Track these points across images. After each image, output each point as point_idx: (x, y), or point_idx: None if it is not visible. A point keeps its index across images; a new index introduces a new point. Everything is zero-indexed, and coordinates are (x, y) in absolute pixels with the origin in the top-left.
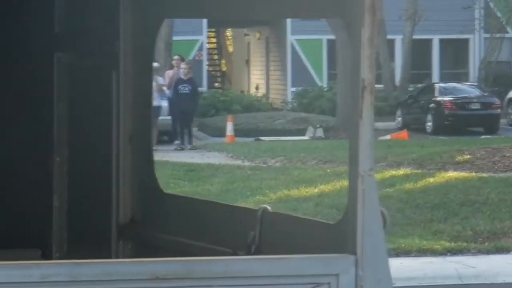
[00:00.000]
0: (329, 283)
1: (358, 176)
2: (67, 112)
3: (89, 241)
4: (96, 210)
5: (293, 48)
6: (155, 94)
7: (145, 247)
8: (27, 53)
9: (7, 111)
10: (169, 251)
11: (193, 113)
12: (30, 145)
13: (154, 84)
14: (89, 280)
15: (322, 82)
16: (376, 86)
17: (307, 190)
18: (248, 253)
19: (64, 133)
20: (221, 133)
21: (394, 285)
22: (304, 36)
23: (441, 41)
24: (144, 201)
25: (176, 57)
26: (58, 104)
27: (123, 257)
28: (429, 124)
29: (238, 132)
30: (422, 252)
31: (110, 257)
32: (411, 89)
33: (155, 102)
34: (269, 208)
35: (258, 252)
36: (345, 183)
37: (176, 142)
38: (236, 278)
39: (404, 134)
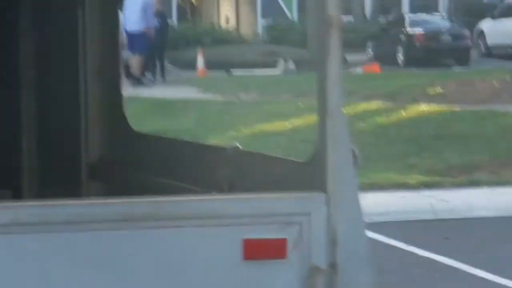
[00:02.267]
0: (301, 222)
1: (327, 113)
2: (34, 49)
3: (59, 181)
4: (65, 149)
5: None
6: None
7: (116, 187)
8: None
9: None
10: (140, 190)
11: (164, 46)
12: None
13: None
14: (58, 222)
15: (292, 14)
16: (346, 17)
17: (280, 125)
18: (220, 192)
19: (31, 71)
20: (192, 67)
21: (369, 221)
22: None
23: None
24: (113, 140)
25: None
26: (25, 41)
27: (94, 197)
28: (401, 56)
29: (210, 66)
30: (396, 186)
31: (80, 197)
32: (381, 20)
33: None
34: (239, 146)
35: (230, 191)
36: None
37: (148, 77)
38: (207, 218)
39: (375, 66)
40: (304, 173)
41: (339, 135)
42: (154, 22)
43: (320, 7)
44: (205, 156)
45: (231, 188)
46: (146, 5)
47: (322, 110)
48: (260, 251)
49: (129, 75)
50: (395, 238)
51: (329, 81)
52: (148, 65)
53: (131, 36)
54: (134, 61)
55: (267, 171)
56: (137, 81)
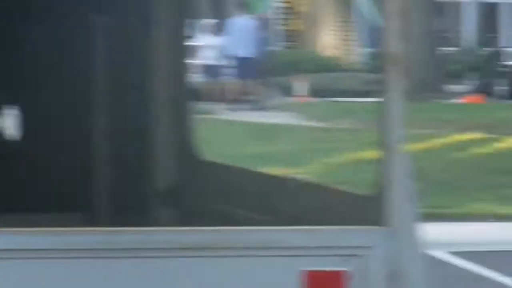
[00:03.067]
0: (362, 255)
1: (390, 149)
2: (107, 78)
3: (130, 208)
4: (136, 176)
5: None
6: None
7: (185, 216)
8: (64, 15)
9: (45, 74)
10: (210, 219)
11: (255, 72)
12: (70, 111)
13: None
14: (123, 248)
15: None
16: (447, 49)
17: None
18: (282, 223)
19: (102, 97)
20: (293, 93)
21: (463, 250)
22: None
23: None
24: (183, 168)
25: None
26: (96, 69)
27: (163, 225)
28: (504, 88)
29: (311, 93)
30: (495, 217)
31: (151, 224)
32: (482, 52)
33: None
34: (304, 177)
35: (292, 222)
36: (416, 146)
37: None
38: (273, 249)
39: (478, 97)
40: (366, 207)
41: (402, 169)
42: (259, 47)
43: (383, 44)
44: (271, 187)
45: (293, 219)
46: (255, 29)
47: (384, 145)
48: (320, 283)
49: (232, 99)
50: (490, 268)
51: (391, 117)
52: (251, 90)
53: (236, 60)
54: (238, 85)
55: (330, 204)
56: (239, 105)
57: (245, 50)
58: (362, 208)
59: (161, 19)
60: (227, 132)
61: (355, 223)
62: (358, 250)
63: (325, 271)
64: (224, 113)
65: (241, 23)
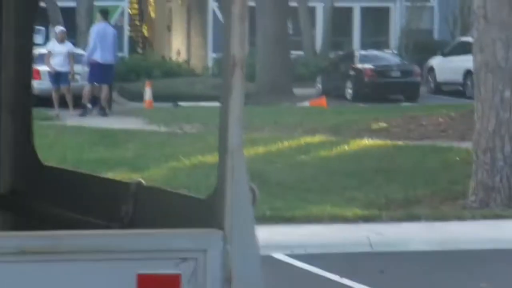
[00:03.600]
0: (196, 258)
1: (227, 152)
2: None
3: None
4: None
5: (214, 15)
6: (66, 60)
7: (23, 219)
8: None
9: None
10: (47, 223)
11: (112, 78)
12: None
13: (65, 50)
14: None
15: None
16: (297, 52)
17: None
18: (121, 226)
19: None
20: (140, 98)
21: (306, 252)
22: None
23: (362, 9)
24: (23, 172)
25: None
26: None
27: (2, 228)
28: (349, 91)
29: (158, 98)
30: (334, 219)
31: None
32: (332, 56)
33: (64, 68)
34: (143, 181)
35: (130, 225)
36: (260, 149)
37: (89, 107)
38: (103, 252)
39: (322, 100)
40: (204, 210)
41: (238, 173)
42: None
43: (225, 46)
44: (109, 190)
45: (132, 223)
46: (114, 36)
47: (222, 148)
48: (154, 286)
49: (78, 105)
50: (330, 270)
51: (230, 119)
52: (99, 95)
53: (94, 66)
54: (87, 90)
55: (167, 207)
56: (86, 110)
57: (102, 56)
58: (198, 211)
59: (7, 23)
60: (72, 137)
61: (191, 226)
62: (192, 253)
63: (158, 275)
64: (71, 119)
65: (101, 30)
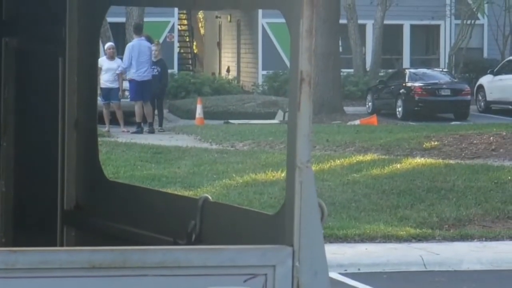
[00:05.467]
0: (265, 274)
1: (296, 168)
2: (13, 97)
3: (34, 227)
4: (41, 196)
5: (264, 31)
6: (114, 77)
7: (89, 234)
8: None
9: None
10: (112, 238)
11: (163, 95)
12: None
13: (115, 66)
14: (25, 268)
15: None
16: (347, 70)
17: (273, 174)
18: (188, 242)
19: (11, 118)
20: (191, 115)
21: (359, 271)
22: (275, 20)
23: (412, 26)
24: (88, 188)
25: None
26: (5, 89)
27: (67, 243)
28: (399, 109)
29: (208, 115)
30: (387, 238)
31: (55, 244)
32: (381, 74)
33: (114, 84)
34: (210, 197)
35: (198, 241)
36: (312, 168)
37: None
38: (172, 268)
39: (373, 119)
40: (272, 226)
41: (306, 189)
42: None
43: (292, 62)
44: (175, 206)
45: (199, 239)
46: (150, 50)
47: (291, 164)
48: None
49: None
50: None
51: (298, 136)
52: (148, 113)
53: (133, 84)
54: (137, 108)
55: (234, 223)
56: (142, 129)
57: (138, 73)
58: (266, 227)
59: (71, 38)
60: (124, 154)
61: (258, 242)
62: (261, 269)
63: None
64: (122, 136)
65: (136, 47)
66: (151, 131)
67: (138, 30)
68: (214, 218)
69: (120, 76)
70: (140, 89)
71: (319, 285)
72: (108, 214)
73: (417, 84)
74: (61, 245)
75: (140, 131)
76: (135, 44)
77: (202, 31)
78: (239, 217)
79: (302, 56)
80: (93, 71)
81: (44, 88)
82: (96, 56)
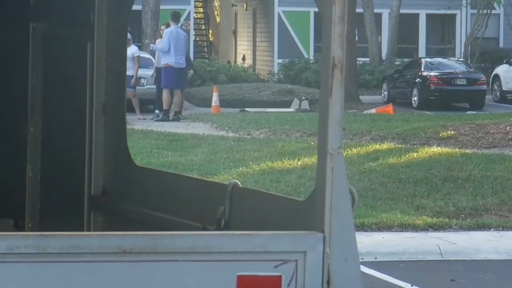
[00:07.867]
0: (296, 260)
1: (327, 154)
2: (41, 82)
3: (61, 212)
4: (68, 181)
5: (280, 20)
6: (131, 63)
7: (116, 219)
8: (2, 23)
9: None
10: (140, 223)
11: (185, 82)
12: (4, 115)
13: (130, 53)
14: (56, 252)
15: (309, 54)
16: (363, 59)
17: (290, 163)
18: (218, 228)
19: (38, 103)
20: (206, 103)
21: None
22: (291, 8)
23: (428, 16)
24: (115, 173)
25: (162, 27)
26: (32, 74)
27: (94, 229)
28: (415, 98)
29: (224, 103)
30: (403, 227)
31: (82, 228)
32: (397, 63)
33: (130, 72)
34: (239, 183)
35: (227, 227)
36: None
37: (157, 112)
38: (202, 254)
39: (389, 108)
40: (302, 212)
41: (337, 175)
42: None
43: (324, 48)
44: (204, 192)
45: (229, 224)
46: (186, 40)
47: (322, 150)
48: (254, 287)
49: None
50: (401, 278)
51: (330, 122)
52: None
53: (169, 70)
54: (166, 95)
55: (264, 209)
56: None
57: (176, 60)
58: (296, 213)
59: (100, 26)
60: (141, 142)
61: (289, 228)
62: (292, 255)
63: (259, 276)
64: (138, 123)
65: (174, 34)
66: (176, 119)
67: (176, 18)
68: (244, 204)
69: (137, 61)
70: (176, 76)
71: (349, 271)
72: (136, 199)
73: (432, 73)
74: (88, 230)
75: (166, 119)
76: (173, 30)
77: (218, 19)
78: (269, 203)
79: (335, 42)
80: (122, 56)
81: (72, 73)
82: (124, 41)
